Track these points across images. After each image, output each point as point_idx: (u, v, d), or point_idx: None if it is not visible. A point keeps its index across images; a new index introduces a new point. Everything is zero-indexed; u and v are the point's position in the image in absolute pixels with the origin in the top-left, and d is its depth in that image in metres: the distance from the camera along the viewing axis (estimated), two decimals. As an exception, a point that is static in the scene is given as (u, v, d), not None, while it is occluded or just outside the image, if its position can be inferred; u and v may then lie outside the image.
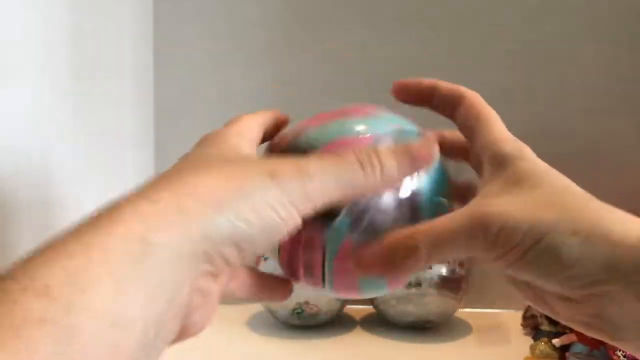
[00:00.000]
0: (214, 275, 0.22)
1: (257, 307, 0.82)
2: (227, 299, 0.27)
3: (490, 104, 0.29)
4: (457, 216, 0.25)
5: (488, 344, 0.69)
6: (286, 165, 0.23)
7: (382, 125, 0.29)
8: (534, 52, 0.80)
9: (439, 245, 0.25)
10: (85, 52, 0.68)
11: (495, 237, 0.24)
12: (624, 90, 0.79)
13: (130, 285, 0.18)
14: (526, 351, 0.65)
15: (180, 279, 0.20)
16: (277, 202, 0.22)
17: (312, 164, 0.23)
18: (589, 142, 0.80)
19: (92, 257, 0.18)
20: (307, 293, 0.70)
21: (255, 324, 0.77)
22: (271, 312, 0.75)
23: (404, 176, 0.26)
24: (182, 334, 0.22)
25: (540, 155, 0.27)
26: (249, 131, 0.28)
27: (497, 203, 0.25)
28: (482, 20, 0.81)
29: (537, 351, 0.64)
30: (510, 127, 0.28)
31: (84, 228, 0.19)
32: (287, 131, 0.31)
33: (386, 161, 0.25)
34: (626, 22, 0.79)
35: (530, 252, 0.23)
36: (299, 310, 0.72)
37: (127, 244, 0.19)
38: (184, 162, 0.24)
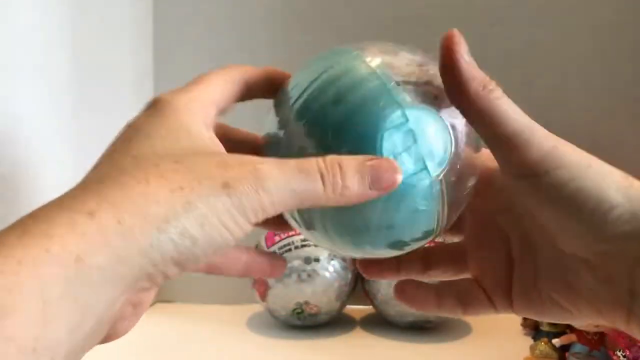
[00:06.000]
0: (150, 289, 0.21)
1: (257, 307, 0.82)
2: (213, 273, 0.27)
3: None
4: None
5: (488, 344, 0.69)
6: (242, 172, 0.21)
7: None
8: (534, 52, 0.80)
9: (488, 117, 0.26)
10: (85, 53, 0.68)
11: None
12: (624, 90, 0.79)
13: (59, 308, 0.17)
14: (526, 351, 0.65)
15: (113, 297, 0.19)
16: (228, 214, 0.20)
17: (271, 172, 0.21)
18: (589, 142, 0.80)
19: (22, 276, 0.17)
20: (307, 293, 0.70)
21: (255, 324, 0.77)
22: (271, 312, 0.75)
23: (363, 199, 0.24)
24: (106, 339, 0.22)
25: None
26: (208, 100, 0.26)
27: None
28: (482, 20, 0.81)
29: (536, 351, 0.64)
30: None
31: (15, 239, 0.18)
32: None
33: (348, 180, 0.23)
34: (626, 22, 0.79)
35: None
36: (299, 310, 0.72)
37: (61, 263, 0.18)
38: (121, 157, 0.22)
